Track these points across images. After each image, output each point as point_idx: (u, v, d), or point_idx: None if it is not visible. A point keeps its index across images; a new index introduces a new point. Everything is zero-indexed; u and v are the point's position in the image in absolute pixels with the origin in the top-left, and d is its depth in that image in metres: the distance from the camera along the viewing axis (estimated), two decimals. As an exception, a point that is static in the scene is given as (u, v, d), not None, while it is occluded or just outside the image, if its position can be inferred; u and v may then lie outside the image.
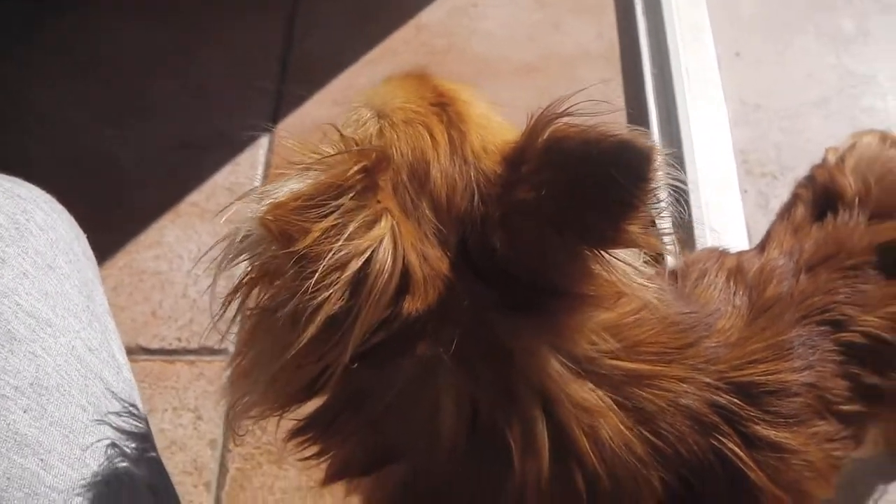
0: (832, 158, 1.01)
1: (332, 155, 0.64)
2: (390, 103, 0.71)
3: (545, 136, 0.66)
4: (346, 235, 0.60)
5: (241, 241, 0.64)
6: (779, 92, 1.75)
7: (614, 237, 0.66)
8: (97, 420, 0.72)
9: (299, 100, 1.78)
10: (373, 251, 0.61)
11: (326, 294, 0.59)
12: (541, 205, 0.65)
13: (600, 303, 0.71)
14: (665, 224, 0.67)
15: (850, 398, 0.84)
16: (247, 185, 1.64)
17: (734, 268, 0.88)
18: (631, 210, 0.64)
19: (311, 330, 0.60)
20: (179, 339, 1.49)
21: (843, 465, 0.88)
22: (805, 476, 0.82)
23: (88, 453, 0.70)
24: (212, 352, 1.46)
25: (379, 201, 0.63)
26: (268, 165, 1.70)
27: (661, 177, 0.64)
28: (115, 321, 0.89)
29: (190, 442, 1.39)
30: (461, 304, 0.66)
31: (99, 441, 0.72)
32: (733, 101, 1.72)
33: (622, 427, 0.74)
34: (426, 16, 1.91)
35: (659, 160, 0.63)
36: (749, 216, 1.55)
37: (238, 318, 0.70)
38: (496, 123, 0.72)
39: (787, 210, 0.99)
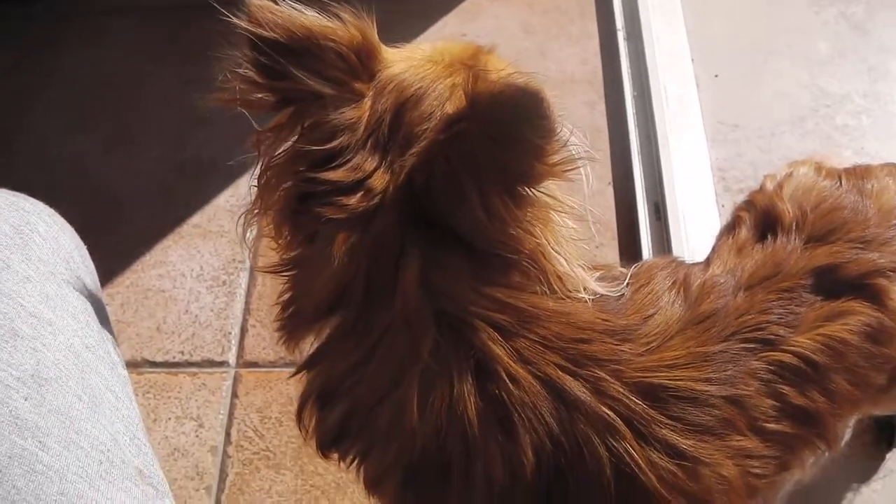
0: (770, 185, 1.04)
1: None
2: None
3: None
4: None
5: None
6: (755, 112, 1.80)
7: (533, 173, 0.77)
8: (92, 409, 0.80)
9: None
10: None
11: None
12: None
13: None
14: (571, 153, 0.78)
15: (776, 417, 0.85)
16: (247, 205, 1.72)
17: (681, 279, 0.90)
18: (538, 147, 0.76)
19: None
20: (182, 353, 1.56)
21: (763, 485, 0.87)
22: (716, 488, 0.83)
23: (83, 437, 0.77)
24: (212, 364, 1.54)
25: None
26: (266, 188, 1.75)
27: (555, 114, 0.75)
28: (121, 336, 0.96)
29: (192, 448, 1.45)
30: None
31: (93, 427, 0.79)
32: (711, 121, 1.78)
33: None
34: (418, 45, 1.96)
35: (548, 100, 0.74)
36: (726, 230, 1.60)
37: None
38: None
39: (729, 230, 1.02)
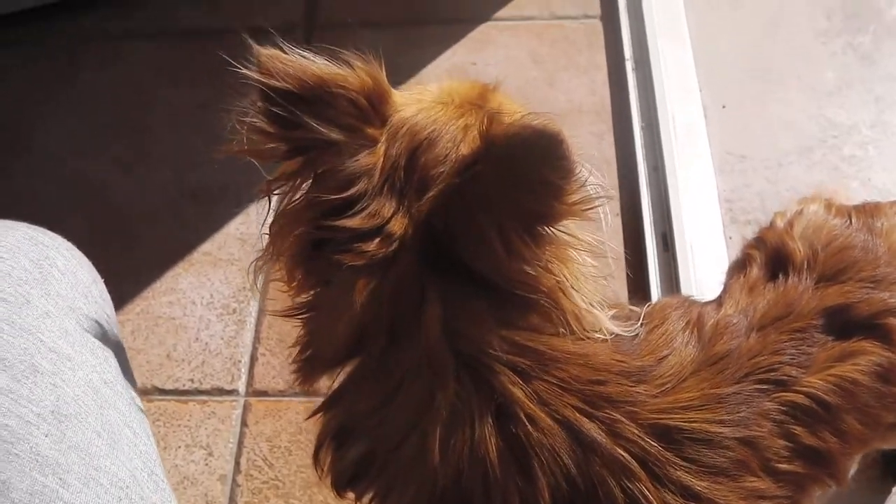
0: (780, 223, 1.05)
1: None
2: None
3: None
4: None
5: None
6: (763, 142, 1.81)
7: (553, 213, 0.77)
8: (111, 445, 0.80)
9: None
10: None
11: None
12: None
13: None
14: (589, 192, 0.78)
15: (788, 457, 0.86)
16: (257, 235, 1.73)
17: (694, 319, 0.91)
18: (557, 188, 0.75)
19: None
20: (192, 381, 1.56)
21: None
22: None
23: (102, 474, 0.77)
24: (222, 392, 1.54)
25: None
26: (277, 216, 1.76)
27: (574, 155, 0.74)
28: (132, 363, 0.96)
29: (201, 477, 1.46)
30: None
31: (112, 463, 0.79)
32: (719, 152, 1.79)
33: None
34: (427, 74, 1.98)
35: (567, 141, 0.73)
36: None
37: None
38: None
39: (740, 268, 1.02)
